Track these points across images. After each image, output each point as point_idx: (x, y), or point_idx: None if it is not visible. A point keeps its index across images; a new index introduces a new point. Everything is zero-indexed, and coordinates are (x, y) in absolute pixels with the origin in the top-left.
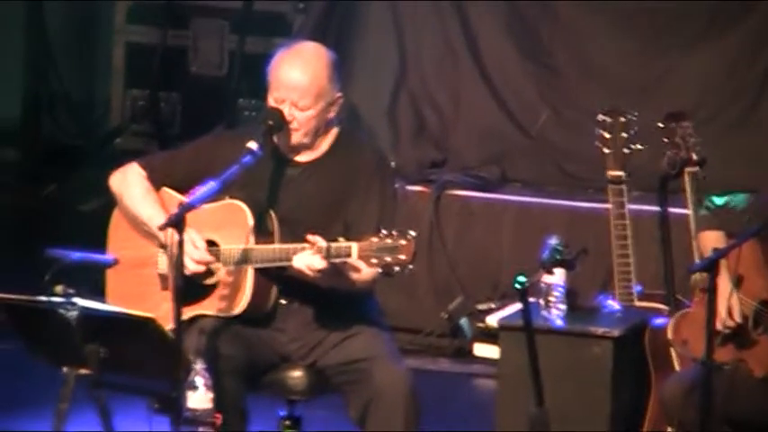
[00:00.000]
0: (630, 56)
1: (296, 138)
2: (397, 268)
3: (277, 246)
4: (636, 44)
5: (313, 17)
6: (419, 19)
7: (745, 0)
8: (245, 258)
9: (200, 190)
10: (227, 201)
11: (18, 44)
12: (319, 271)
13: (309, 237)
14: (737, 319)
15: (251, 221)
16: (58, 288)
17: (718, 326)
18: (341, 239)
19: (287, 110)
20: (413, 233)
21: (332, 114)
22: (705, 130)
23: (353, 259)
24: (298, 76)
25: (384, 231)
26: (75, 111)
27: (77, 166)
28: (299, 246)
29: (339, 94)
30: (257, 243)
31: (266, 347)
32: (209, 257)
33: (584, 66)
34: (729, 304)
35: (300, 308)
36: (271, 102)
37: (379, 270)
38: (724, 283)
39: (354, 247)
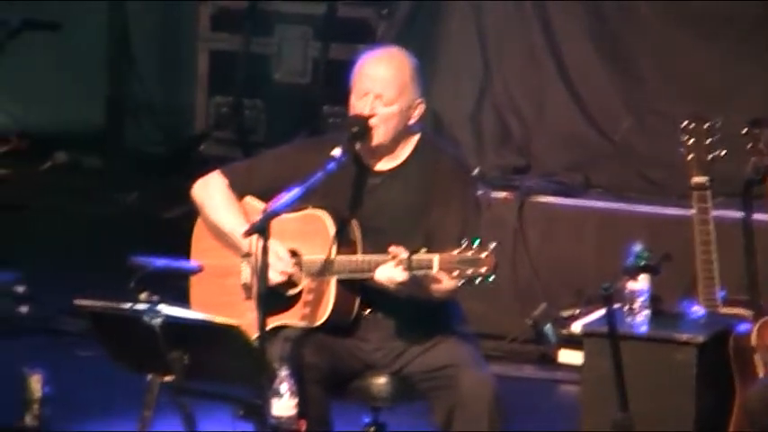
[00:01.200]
0: (713, 62)
1: (376, 137)
2: (478, 280)
3: (359, 257)
4: (719, 50)
5: (396, 23)
6: (502, 25)
7: None
8: (327, 269)
9: (284, 197)
10: (309, 210)
11: (101, 51)
12: (401, 283)
13: (392, 248)
14: None
15: (333, 231)
16: (143, 295)
17: None
18: (422, 250)
19: (369, 103)
20: (494, 244)
21: (412, 119)
22: None
23: (435, 271)
24: (383, 68)
25: (465, 243)
26: (159, 118)
27: (161, 173)
28: (380, 257)
29: (420, 100)
30: (339, 253)
31: (351, 356)
32: (291, 269)
33: (666, 72)
34: None
35: (384, 318)
36: (353, 100)
37: (461, 282)
38: None
39: (436, 259)
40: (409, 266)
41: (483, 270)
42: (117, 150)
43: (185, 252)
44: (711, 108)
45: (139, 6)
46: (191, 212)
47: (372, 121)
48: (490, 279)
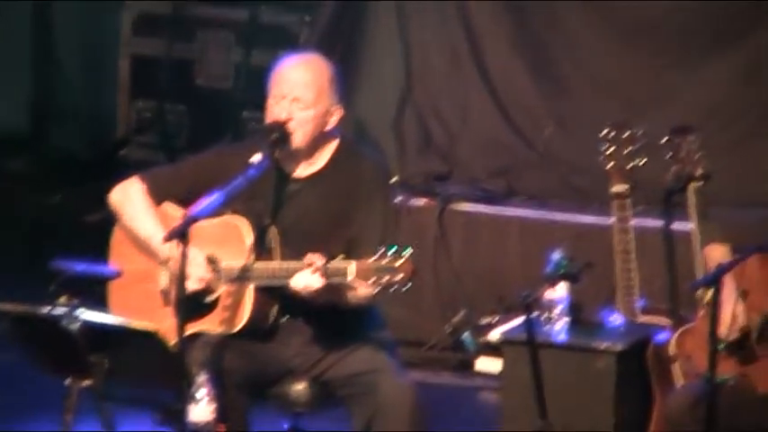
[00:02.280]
0: (638, 69)
1: (294, 141)
2: (394, 287)
3: (277, 264)
4: (644, 57)
5: (319, 30)
6: (425, 32)
7: (754, 13)
8: (244, 276)
9: (205, 202)
10: (228, 216)
11: (25, 55)
12: (317, 290)
13: (308, 255)
14: (741, 322)
15: (250, 238)
16: (62, 299)
17: (722, 333)
18: (341, 257)
19: (286, 107)
20: (410, 251)
21: (330, 125)
22: (713, 143)
23: (351, 279)
24: (300, 72)
25: (382, 250)
26: (83, 122)
27: (84, 177)
28: (297, 264)
29: (338, 106)
30: (257, 260)
31: (271, 361)
32: (208, 275)
33: (590, 79)
34: (734, 312)
35: (303, 324)
36: (270, 103)
37: (377, 289)
38: (729, 292)
39: (352, 266)
40: (326, 274)
41: (399, 277)
42: (40, 154)
43: (107, 256)
44: (635, 116)
45: (63, 10)
46: (113, 216)
47: (290, 125)
48: (407, 286)
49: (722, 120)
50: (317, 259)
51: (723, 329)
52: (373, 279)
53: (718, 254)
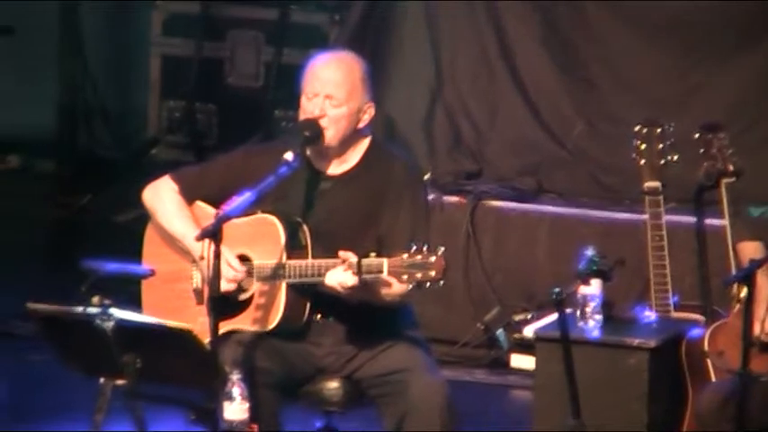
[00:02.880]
0: (665, 68)
1: (326, 138)
2: (428, 284)
3: (309, 261)
4: (671, 57)
5: (349, 28)
6: (455, 31)
7: None
8: (277, 274)
9: (236, 201)
10: (260, 215)
11: (53, 54)
12: (351, 287)
13: (341, 252)
14: None
15: (283, 236)
16: (95, 299)
17: (756, 332)
18: (372, 255)
19: (319, 104)
20: (443, 248)
21: (362, 123)
22: (741, 141)
23: (384, 276)
24: (333, 70)
25: (414, 247)
26: (111, 122)
27: (113, 177)
28: (330, 261)
29: (370, 103)
30: (290, 258)
31: (302, 360)
32: (240, 275)
33: (618, 78)
34: None
35: (335, 323)
36: (303, 101)
37: (411, 286)
38: (763, 292)
39: (385, 263)
40: (359, 271)
41: (432, 274)
42: (69, 154)
43: (137, 256)
44: (664, 114)
45: (92, 10)
46: (143, 216)
47: (322, 122)
48: (440, 283)
49: (748, 118)
50: (350, 256)
51: (757, 329)
52: (406, 276)
53: (749, 250)
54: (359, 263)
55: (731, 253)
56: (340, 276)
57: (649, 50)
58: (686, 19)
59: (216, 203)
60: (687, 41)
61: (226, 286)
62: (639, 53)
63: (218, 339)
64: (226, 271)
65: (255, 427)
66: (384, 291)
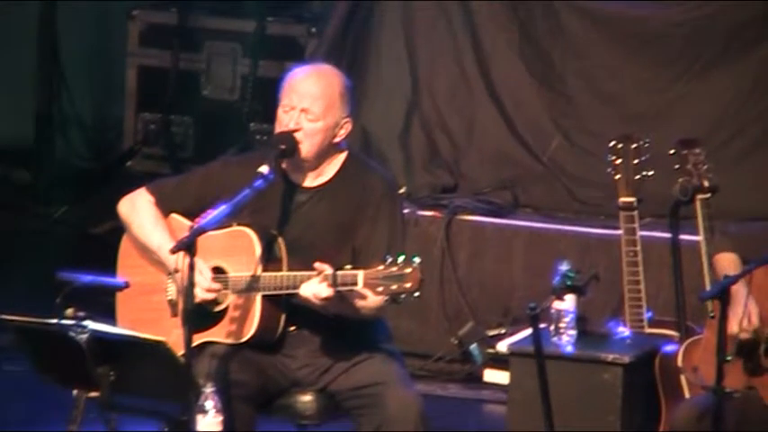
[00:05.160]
0: (644, 82)
1: (302, 152)
2: (403, 296)
3: (285, 273)
4: (649, 70)
5: (326, 41)
6: (432, 44)
7: (760, 26)
8: (252, 286)
9: (212, 214)
10: (235, 227)
11: (31, 65)
12: (326, 299)
13: (317, 264)
14: (756, 322)
15: (259, 248)
16: (69, 311)
17: (734, 329)
18: (347, 267)
19: (295, 117)
20: (418, 260)
21: (339, 137)
22: (719, 156)
23: (359, 287)
24: (311, 84)
25: (390, 259)
26: (88, 133)
27: (89, 188)
28: (306, 273)
29: (348, 119)
30: (265, 270)
31: (277, 373)
32: (216, 285)
33: (596, 91)
34: (748, 309)
35: (310, 335)
36: (280, 113)
37: (386, 298)
38: (741, 290)
39: (360, 275)
40: (334, 282)
41: (408, 286)
42: (45, 165)
43: (113, 268)
44: (642, 128)
45: (69, 21)
46: (118, 228)
47: (297, 136)
48: (415, 295)
49: (728, 132)
50: (325, 268)
51: (734, 327)
52: (381, 288)
53: (726, 262)
54: (334, 274)
55: (706, 268)
56: (315, 288)
57: (628, 64)
58: (665, 33)
59: (192, 216)
60: (666, 55)
61: (202, 296)
62: (617, 66)
63: (191, 351)
64: (201, 281)
65: None
66: (359, 303)
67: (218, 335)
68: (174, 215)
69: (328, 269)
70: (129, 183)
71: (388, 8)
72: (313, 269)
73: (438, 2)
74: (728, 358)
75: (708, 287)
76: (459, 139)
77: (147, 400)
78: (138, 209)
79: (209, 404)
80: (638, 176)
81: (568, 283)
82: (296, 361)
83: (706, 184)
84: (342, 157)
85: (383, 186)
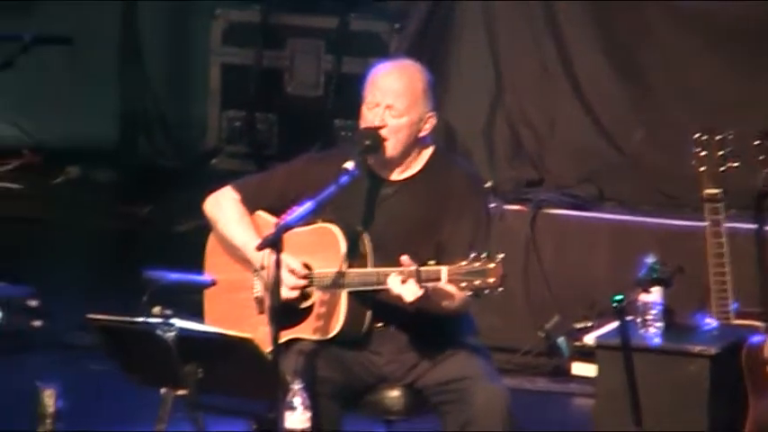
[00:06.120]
0: (725, 74)
1: (387, 148)
2: (486, 291)
3: (370, 270)
4: (732, 61)
5: (408, 36)
6: (513, 38)
7: None
8: (338, 282)
9: (297, 210)
10: (320, 224)
11: (114, 65)
12: (412, 295)
13: (403, 258)
14: None
15: (343, 245)
16: (156, 309)
17: None
18: (431, 263)
19: (380, 114)
20: (501, 255)
21: (423, 132)
22: None
23: (443, 283)
24: (394, 80)
25: (473, 254)
26: (172, 132)
27: (174, 187)
28: (390, 269)
29: (432, 113)
30: (350, 266)
31: (363, 370)
32: (303, 282)
33: (678, 83)
34: None
35: (396, 332)
36: (364, 111)
37: (469, 293)
38: None
39: (444, 270)
40: (418, 278)
41: (490, 281)
42: (129, 164)
43: (199, 266)
44: (724, 120)
45: (152, 20)
46: (203, 226)
47: (382, 133)
48: (498, 290)
49: None
50: (409, 264)
51: None
52: (464, 283)
53: None
54: (418, 270)
55: None
56: (403, 288)
57: (710, 55)
58: (748, 22)
59: (277, 213)
60: (749, 45)
61: (287, 294)
62: (700, 57)
63: (279, 349)
64: (287, 278)
65: None
66: (443, 298)
67: (304, 331)
68: (259, 212)
69: (412, 266)
70: (214, 181)
71: (468, 7)
72: (397, 265)
73: (520, 1)
74: None
75: None
76: (543, 133)
77: (235, 399)
78: (224, 207)
79: (297, 401)
80: (722, 168)
81: (654, 275)
82: (382, 357)
83: None
84: (428, 152)
85: (469, 181)
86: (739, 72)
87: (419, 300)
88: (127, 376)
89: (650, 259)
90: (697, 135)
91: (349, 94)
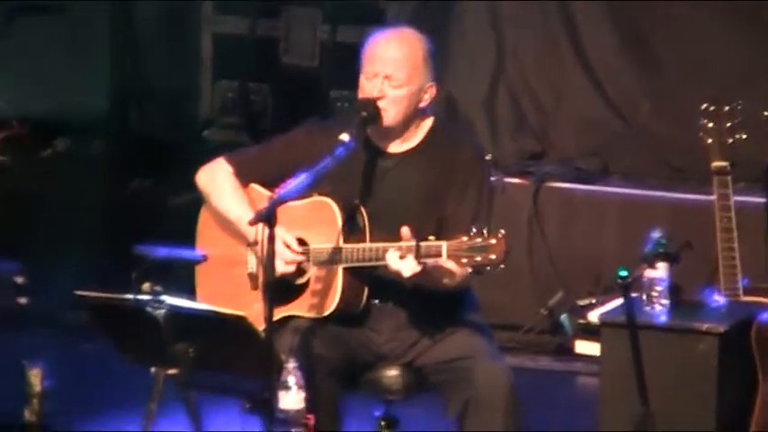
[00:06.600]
0: (733, 45)
1: (385, 119)
2: (488, 268)
3: (367, 245)
4: (738, 33)
5: (407, 5)
6: (518, 6)
7: None
8: (334, 258)
9: (292, 183)
10: (316, 198)
11: (104, 35)
12: (411, 271)
13: (403, 229)
14: None
15: (340, 219)
16: (146, 285)
17: None
18: (431, 238)
19: (378, 84)
20: (503, 231)
21: (423, 103)
22: None
23: (443, 259)
24: (393, 49)
25: (474, 230)
26: (163, 103)
27: (166, 159)
28: (389, 245)
29: (432, 83)
30: (347, 241)
31: (361, 347)
32: (299, 257)
33: (686, 55)
34: None
35: (395, 308)
36: (362, 81)
37: (470, 270)
38: None
39: (444, 246)
40: (418, 254)
41: (492, 257)
42: (120, 136)
43: (191, 241)
44: (731, 92)
45: None
46: (196, 200)
47: (381, 104)
48: (500, 267)
49: None
50: (409, 237)
51: None
52: (465, 259)
53: None
54: (417, 245)
55: None
56: (401, 264)
57: (717, 27)
58: None
59: (272, 186)
60: (756, 17)
61: (284, 268)
62: (707, 30)
63: (273, 326)
64: (283, 252)
65: (312, 417)
66: (444, 274)
67: (299, 308)
68: (253, 185)
69: (412, 240)
70: (207, 153)
71: None
72: (396, 240)
73: None
74: None
75: None
76: (547, 104)
77: (228, 378)
78: (217, 179)
79: (292, 380)
80: (730, 140)
81: (660, 250)
82: (381, 335)
83: None
84: (428, 122)
85: (471, 154)
86: (747, 43)
87: (417, 276)
88: (118, 355)
89: (656, 234)
90: (704, 106)
91: (346, 64)
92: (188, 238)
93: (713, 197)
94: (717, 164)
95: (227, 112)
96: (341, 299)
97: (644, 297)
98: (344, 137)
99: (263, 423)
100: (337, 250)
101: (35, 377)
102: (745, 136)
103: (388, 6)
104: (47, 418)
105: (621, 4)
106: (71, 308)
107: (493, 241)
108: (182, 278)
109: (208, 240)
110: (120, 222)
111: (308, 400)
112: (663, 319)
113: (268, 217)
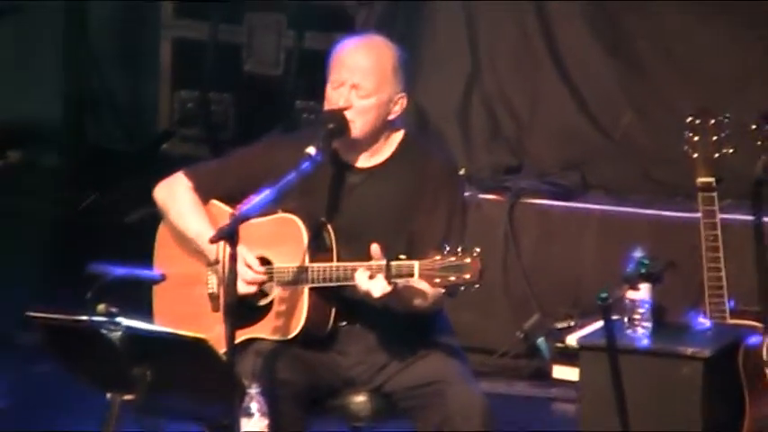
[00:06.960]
0: (721, 51)
1: (352, 131)
2: (462, 288)
3: (334, 264)
4: (726, 38)
5: (377, 10)
6: (493, 12)
7: None
8: (299, 277)
9: (254, 200)
10: (280, 214)
11: (58, 41)
12: (380, 292)
13: (373, 246)
14: None
15: (306, 237)
16: (101, 307)
17: None
18: (402, 257)
19: (345, 94)
20: (478, 250)
21: (393, 115)
22: None
23: (415, 279)
24: (362, 56)
25: (448, 248)
26: (120, 113)
27: (122, 172)
28: (357, 264)
29: (402, 94)
30: (313, 260)
31: (328, 371)
32: (261, 277)
33: (670, 59)
34: None
35: (363, 330)
36: (328, 90)
37: (443, 290)
38: None
39: (416, 265)
40: (388, 274)
41: (467, 276)
42: (75, 148)
43: (149, 259)
44: (718, 99)
45: None
46: (154, 216)
47: (348, 114)
48: (475, 287)
49: None
50: (378, 256)
51: None
52: (438, 279)
53: None
54: (388, 265)
55: None
56: (370, 284)
57: (704, 31)
58: None
59: (234, 201)
60: (744, 20)
61: (245, 289)
62: (693, 34)
63: (235, 349)
64: (244, 272)
65: None
66: (415, 295)
67: (263, 331)
68: (214, 201)
69: (382, 259)
70: (166, 167)
71: None
72: (365, 259)
73: None
74: None
75: None
76: (523, 114)
77: (187, 403)
78: (176, 195)
79: (254, 406)
80: (717, 154)
81: (643, 270)
82: (348, 358)
83: None
84: (398, 136)
85: (443, 168)
86: (736, 48)
87: (387, 296)
88: (72, 378)
89: (638, 253)
90: (690, 118)
91: (312, 72)
92: (145, 257)
93: (698, 214)
94: (702, 180)
95: (187, 123)
96: (306, 320)
97: (625, 319)
98: (311, 150)
99: None
100: (303, 270)
101: None
102: (732, 150)
103: (357, 11)
104: None
105: (602, 7)
106: (24, 328)
107: (467, 260)
108: (139, 299)
109: (166, 259)
110: (75, 239)
111: (270, 426)
112: (645, 342)
113: (230, 235)
